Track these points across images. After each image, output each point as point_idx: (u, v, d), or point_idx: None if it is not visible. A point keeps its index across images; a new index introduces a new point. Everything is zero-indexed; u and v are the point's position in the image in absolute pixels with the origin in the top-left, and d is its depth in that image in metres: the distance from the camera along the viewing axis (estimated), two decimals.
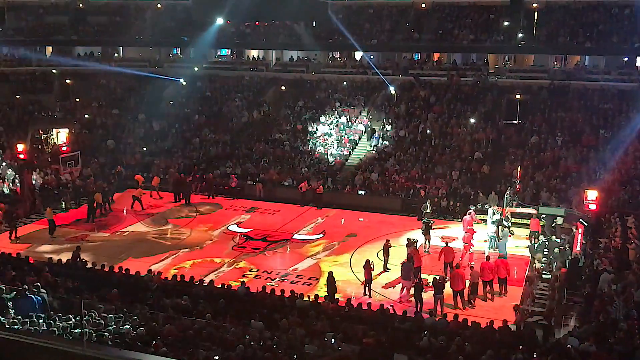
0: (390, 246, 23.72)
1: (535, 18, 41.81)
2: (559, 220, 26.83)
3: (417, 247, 23.93)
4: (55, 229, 27.96)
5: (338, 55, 49.25)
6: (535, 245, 24.53)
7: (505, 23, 42.11)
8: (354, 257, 24.94)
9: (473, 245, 24.79)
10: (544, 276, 22.57)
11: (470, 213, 26.43)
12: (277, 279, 22.80)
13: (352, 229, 28.79)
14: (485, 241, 25.86)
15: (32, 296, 16.38)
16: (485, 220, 27.08)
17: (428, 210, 28.61)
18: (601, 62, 41.45)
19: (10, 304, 16.27)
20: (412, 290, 20.74)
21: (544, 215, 26.96)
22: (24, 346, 15.75)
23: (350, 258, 24.98)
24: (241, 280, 20.93)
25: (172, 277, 20.68)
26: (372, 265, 21.59)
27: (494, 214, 26.75)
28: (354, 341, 15.70)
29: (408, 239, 24.10)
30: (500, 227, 25.42)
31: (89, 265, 21.41)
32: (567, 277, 21.78)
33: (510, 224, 26.42)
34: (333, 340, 15.29)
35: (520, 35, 41.10)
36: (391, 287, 22.26)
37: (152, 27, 47.43)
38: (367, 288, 21.48)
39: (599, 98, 37.03)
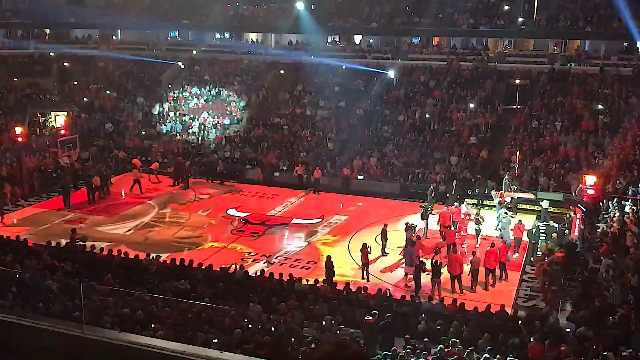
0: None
1: (536, 2, 41.63)
2: (545, 204, 26.91)
3: (415, 231, 23.96)
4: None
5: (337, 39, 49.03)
6: (534, 230, 24.55)
7: (506, 7, 41.94)
8: (352, 241, 24.99)
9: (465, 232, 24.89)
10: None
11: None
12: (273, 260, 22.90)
13: (349, 213, 28.82)
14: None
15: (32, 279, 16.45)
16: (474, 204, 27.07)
17: (433, 196, 28.56)
18: (601, 47, 41.29)
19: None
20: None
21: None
22: (24, 328, 15.84)
23: (349, 242, 25.03)
24: (240, 264, 20.97)
25: (171, 260, 20.72)
26: (369, 249, 21.65)
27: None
28: (352, 325, 15.80)
29: (406, 224, 24.14)
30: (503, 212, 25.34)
31: (88, 248, 21.45)
32: (563, 262, 21.84)
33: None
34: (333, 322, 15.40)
35: (520, 19, 40.92)
36: (389, 271, 22.34)
37: (150, 10, 47.15)
38: (364, 272, 21.55)
39: (598, 83, 36.93)
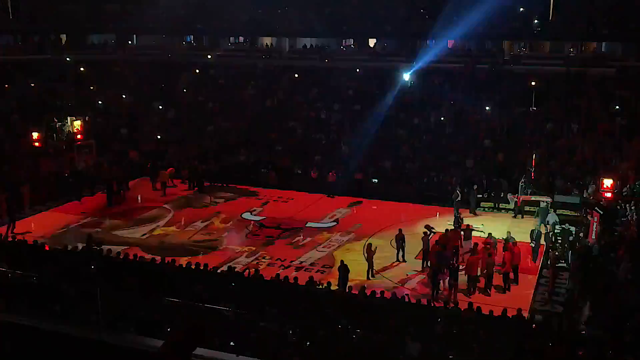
0: (403, 236, 23.66)
1: (552, 3, 41.40)
2: (543, 204, 26.70)
3: (432, 235, 23.85)
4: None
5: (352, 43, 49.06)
6: (550, 233, 24.38)
7: (521, 9, 41.74)
8: (366, 246, 24.90)
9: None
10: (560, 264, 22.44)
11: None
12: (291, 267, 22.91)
13: (364, 217, 28.74)
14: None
15: None
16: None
17: (459, 199, 28.33)
18: (618, 49, 40.97)
19: None
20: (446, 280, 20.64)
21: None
22: (41, 333, 15.95)
23: (364, 247, 24.94)
24: (255, 268, 21.04)
25: (187, 264, 20.77)
26: (373, 249, 21.95)
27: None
28: (366, 328, 15.75)
29: (426, 226, 24.09)
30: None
31: (104, 252, 21.55)
32: (581, 265, 21.64)
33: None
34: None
35: (536, 21, 40.69)
36: (405, 275, 22.27)
37: (165, 15, 47.46)
38: (369, 270, 21.76)
39: (615, 85, 36.60)
